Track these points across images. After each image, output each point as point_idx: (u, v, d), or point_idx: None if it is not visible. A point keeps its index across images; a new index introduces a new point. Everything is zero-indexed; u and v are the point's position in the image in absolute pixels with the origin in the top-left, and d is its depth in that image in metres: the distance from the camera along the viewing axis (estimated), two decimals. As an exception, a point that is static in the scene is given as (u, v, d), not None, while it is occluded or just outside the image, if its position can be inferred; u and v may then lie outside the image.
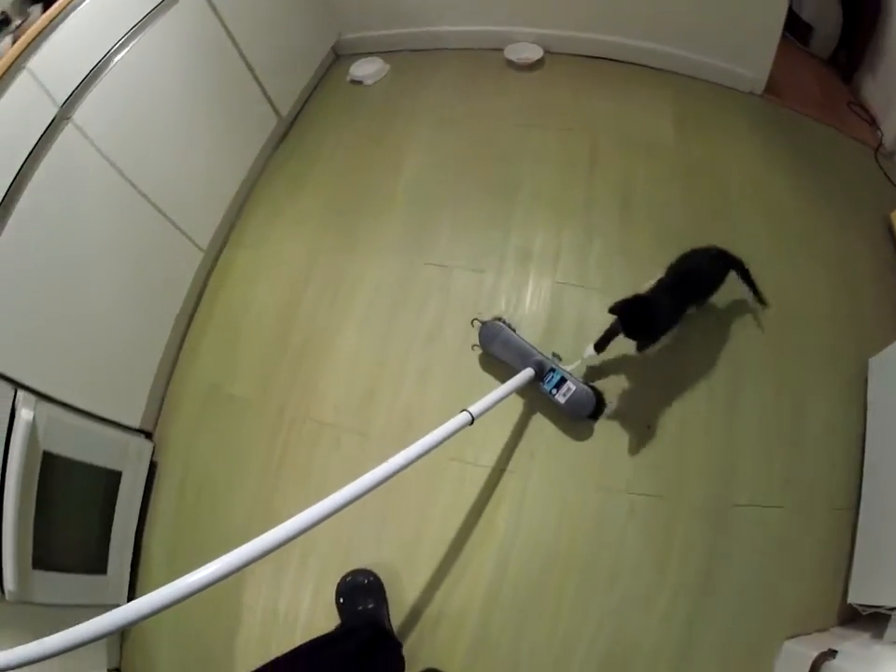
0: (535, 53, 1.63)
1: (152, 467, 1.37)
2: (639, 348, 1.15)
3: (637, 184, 1.41)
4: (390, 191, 1.43)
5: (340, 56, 1.80)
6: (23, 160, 0.97)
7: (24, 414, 0.98)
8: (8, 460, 0.97)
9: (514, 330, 1.22)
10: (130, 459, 1.28)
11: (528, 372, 1.10)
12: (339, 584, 1.11)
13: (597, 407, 1.16)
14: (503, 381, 1.13)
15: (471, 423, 0.86)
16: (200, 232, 1.43)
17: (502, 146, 1.46)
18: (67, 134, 1.05)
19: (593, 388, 1.16)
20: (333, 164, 1.53)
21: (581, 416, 1.16)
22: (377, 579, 1.11)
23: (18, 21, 1.10)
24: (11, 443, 0.97)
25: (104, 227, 1.16)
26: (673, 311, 1.12)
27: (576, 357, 1.19)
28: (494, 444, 1.19)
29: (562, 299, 1.27)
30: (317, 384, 1.30)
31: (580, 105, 1.54)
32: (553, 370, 1.16)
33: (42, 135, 1.00)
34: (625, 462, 1.16)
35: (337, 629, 1.00)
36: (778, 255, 1.39)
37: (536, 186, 1.39)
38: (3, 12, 1.09)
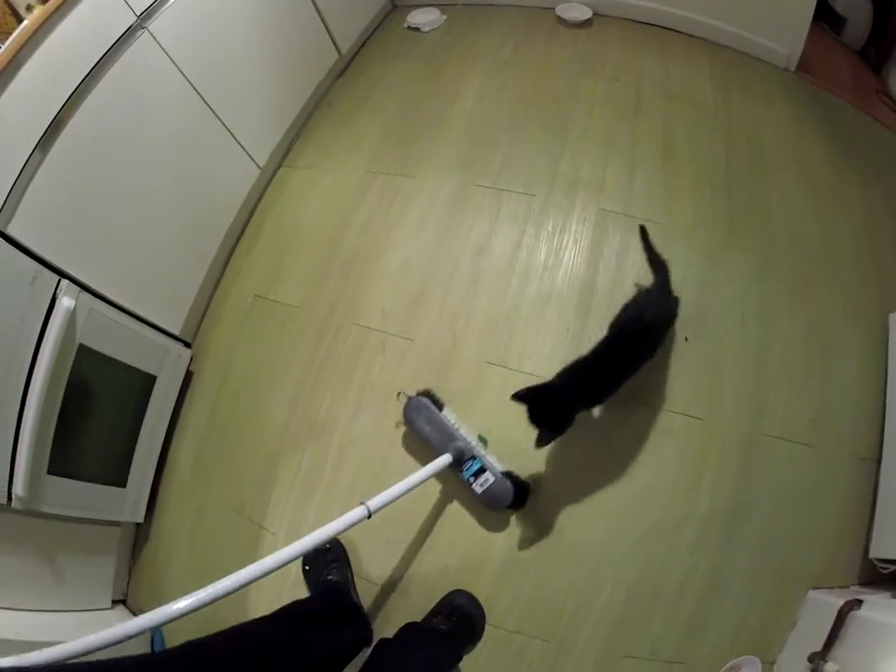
0: (584, 13, 1.72)
1: (187, 377, 1.40)
2: (538, 441, 0.96)
3: (679, 133, 1.48)
4: (445, 119, 1.50)
5: (396, 6, 1.89)
6: (98, 58, 1.02)
7: (65, 302, 0.96)
8: (41, 348, 0.93)
9: (441, 407, 1.15)
10: (167, 365, 1.28)
11: (446, 458, 1.03)
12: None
13: (517, 499, 1.08)
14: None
15: (369, 517, 0.81)
16: (258, 150, 1.48)
17: (554, 88, 1.53)
18: (142, 41, 1.11)
19: (514, 479, 1.09)
20: (390, 95, 1.60)
21: (497, 509, 1.09)
22: (339, 543, 1.13)
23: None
24: (47, 331, 0.94)
25: (167, 130, 1.21)
26: (589, 396, 1.00)
27: (618, 286, 1.23)
28: (532, 350, 1.23)
29: (606, 224, 1.32)
30: (366, 291, 1.34)
31: (626, 61, 1.61)
32: (473, 457, 1.08)
33: (118, 39, 1.05)
34: (661, 380, 1.19)
35: (303, 601, 1.00)
36: (809, 211, 1.44)
37: (585, 125, 1.46)
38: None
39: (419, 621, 1.06)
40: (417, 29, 1.75)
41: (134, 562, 1.32)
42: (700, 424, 1.16)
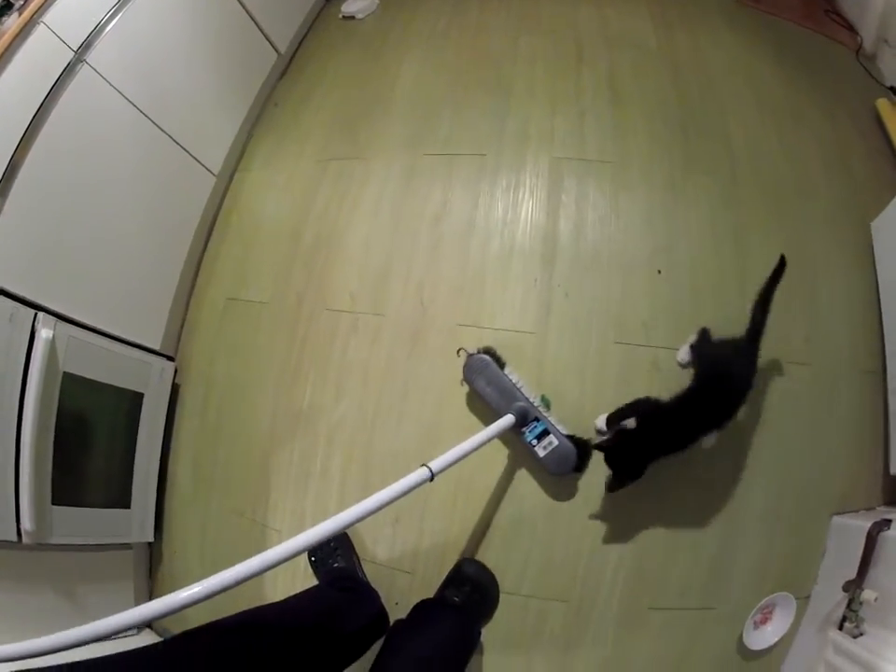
0: (516, -24, 1.71)
1: (174, 391, 1.39)
2: (611, 486, 1.03)
3: (624, 75, 1.46)
4: (389, 100, 1.50)
5: (330, -2, 1.91)
6: (43, 97, 1.03)
7: (44, 334, 0.98)
8: (27, 381, 0.95)
9: (503, 366, 1.11)
10: (152, 380, 1.29)
11: (508, 419, 0.99)
12: None
13: (579, 462, 1.06)
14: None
15: (431, 479, 0.76)
16: (211, 159, 1.49)
17: (493, 52, 1.53)
18: (84, 75, 1.11)
19: (577, 441, 1.07)
20: (333, 87, 1.61)
21: (560, 473, 1.06)
22: None
23: (21, 1, 1.11)
24: (31, 363, 0.96)
25: (123, 156, 1.22)
26: (667, 446, 0.99)
27: (580, 229, 1.21)
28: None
29: (561, 171, 1.31)
30: (332, 275, 1.34)
31: (560, 13, 1.60)
32: (536, 419, 1.05)
33: (60, 76, 1.06)
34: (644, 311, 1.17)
35: (312, 590, 1.02)
36: (770, 133, 1.41)
37: (527, 82, 1.45)
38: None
39: (431, 597, 1.05)
40: (352, 17, 1.76)
41: (154, 583, 1.33)
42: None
